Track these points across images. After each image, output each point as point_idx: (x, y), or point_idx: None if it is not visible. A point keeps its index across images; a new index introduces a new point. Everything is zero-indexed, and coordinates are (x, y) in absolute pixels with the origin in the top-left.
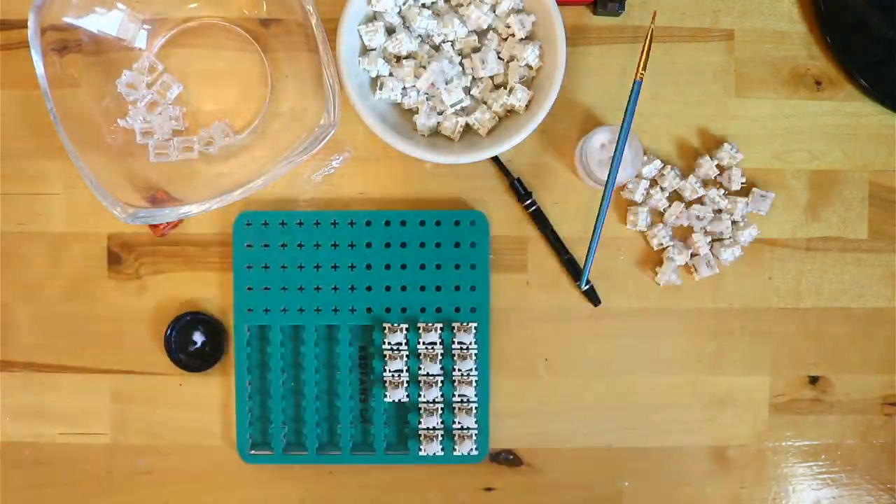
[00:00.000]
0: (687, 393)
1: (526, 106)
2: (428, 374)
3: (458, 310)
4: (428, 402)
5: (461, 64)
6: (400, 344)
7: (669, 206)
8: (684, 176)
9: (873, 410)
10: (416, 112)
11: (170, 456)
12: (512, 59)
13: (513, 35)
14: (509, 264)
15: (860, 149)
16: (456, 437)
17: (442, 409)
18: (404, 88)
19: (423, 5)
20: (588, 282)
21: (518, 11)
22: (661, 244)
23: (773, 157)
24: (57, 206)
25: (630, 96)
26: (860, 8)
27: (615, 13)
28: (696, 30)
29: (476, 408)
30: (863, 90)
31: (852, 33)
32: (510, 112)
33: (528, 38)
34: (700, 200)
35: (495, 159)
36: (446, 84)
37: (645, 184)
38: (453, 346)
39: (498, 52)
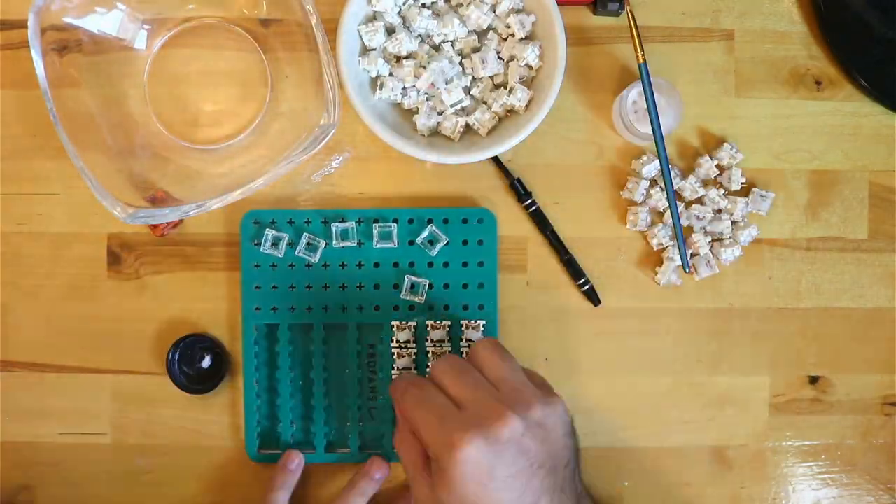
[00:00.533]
0: (687, 393)
1: (526, 106)
2: None
3: (466, 307)
4: None
5: (461, 64)
6: (408, 342)
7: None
8: (684, 176)
9: (873, 410)
10: (416, 112)
11: (170, 456)
12: (512, 59)
13: (512, 35)
14: (509, 264)
15: (860, 149)
16: None
17: None
18: (404, 88)
19: (423, 5)
20: (587, 282)
21: (518, 11)
22: (661, 244)
23: (773, 157)
24: (57, 206)
25: (642, 79)
26: (860, 8)
27: (615, 13)
28: (696, 30)
29: None
30: (863, 90)
31: (852, 33)
32: (510, 112)
33: (529, 38)
34: (700, 200)
35: (495, 159)
36: (446, 84)
37: (645, 184)
38: (461, 344)
39: (498, 52)
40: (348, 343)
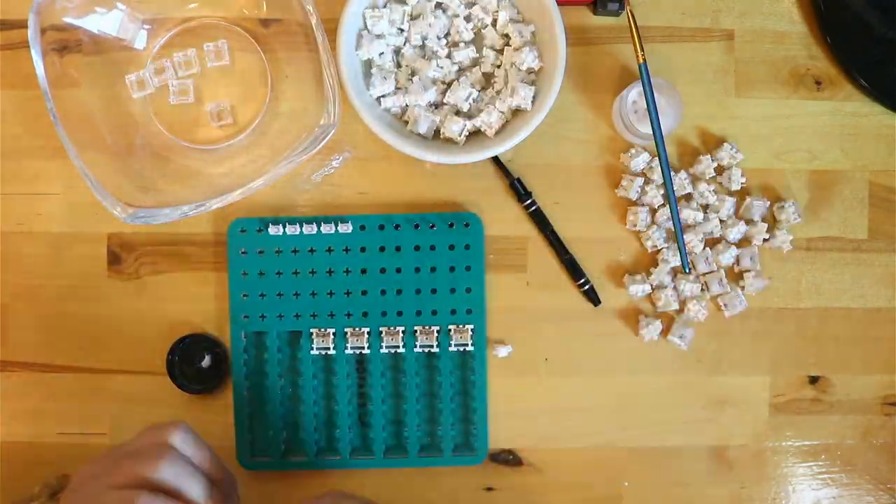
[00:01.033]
0: (687, 393)
1: (532, 103)
2: (426, 377)
3: (454, 312)
4: (426, 404)
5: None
6: (397, 347)
7: (664, 204)
8: (676, 172)
9: (873, 410)
10: (415, 120)
11: None
12: (511, 65)
13: (508, 45)
14: (509, 264)
15: (860, 149)
16: (455, 438)
17: (440, 410)
18: (407, 106)
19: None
20: (587, 282)
21: (516, 21)
22: (656, 246)
23: (773, 157)
24: (57, 206)
25: (642, 79)
26: (860, 8)
27: (615, 13)
28: (696, 30)
29: (475, 409)
30: (863, 90)
31: (852, 33)
32: (517, 111)
33: (527, 44)
34: (690, 197)
35: (495, 159)
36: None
37: (639, 181)
38: (450, 348)
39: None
40: (337, 349)
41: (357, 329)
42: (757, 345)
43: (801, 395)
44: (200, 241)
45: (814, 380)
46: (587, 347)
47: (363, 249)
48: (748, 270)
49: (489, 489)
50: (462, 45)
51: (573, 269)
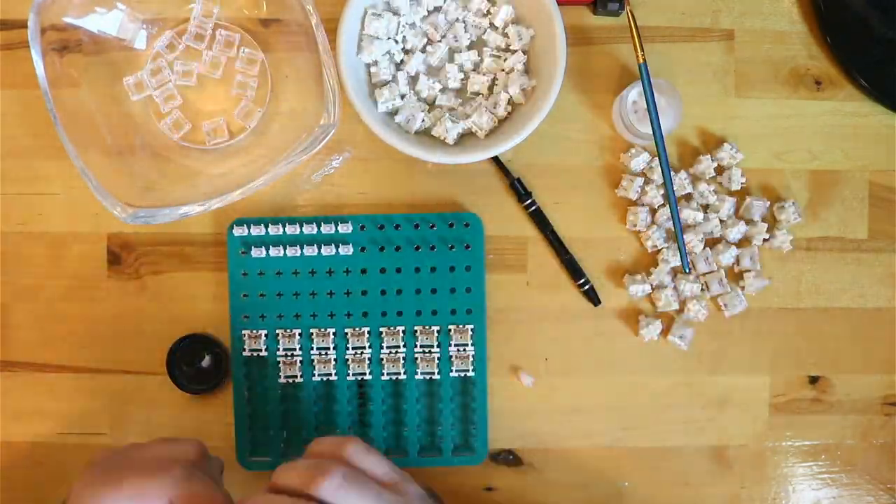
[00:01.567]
0: (687, 393)
1: (525, 99)
2: (426, 377)
3: (454, 312)
4: (426, 404)
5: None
6: (397, 347)
7: (664, 203)
8: (676, 172)
9: (873, 410)
10: (405, 115)
11: None
12: (511, 70)
13: (507, 48)
14: (509, 264)
15: (860, 149)
16: (455, 438)
17: (441, 410)
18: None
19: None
20: (587, 282)
21: (515, 22)
22: (656, 246)
23: (773, 157)
24: (57, 206)
25: (642, 79)
26: (860, 8)
27: (615, 13)
28: (696, 30)
29: (475, 409)
30: (863, 90)
31: (852, 33)
32: (512, 109)
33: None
34: (690, 197)
35: (495, 159)
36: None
37: (639, 181)
38: (450, 348)
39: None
40: (337, 350)
41: (357, 329)
42: (757, 345)
43: (801, 395)
44: (200, 241)
45: (814, 380)
46: (587, 347)
47: (363, 249)
48: (748, 270)
49: (489, 489)
50: (464, 49)
51: (573, 269)
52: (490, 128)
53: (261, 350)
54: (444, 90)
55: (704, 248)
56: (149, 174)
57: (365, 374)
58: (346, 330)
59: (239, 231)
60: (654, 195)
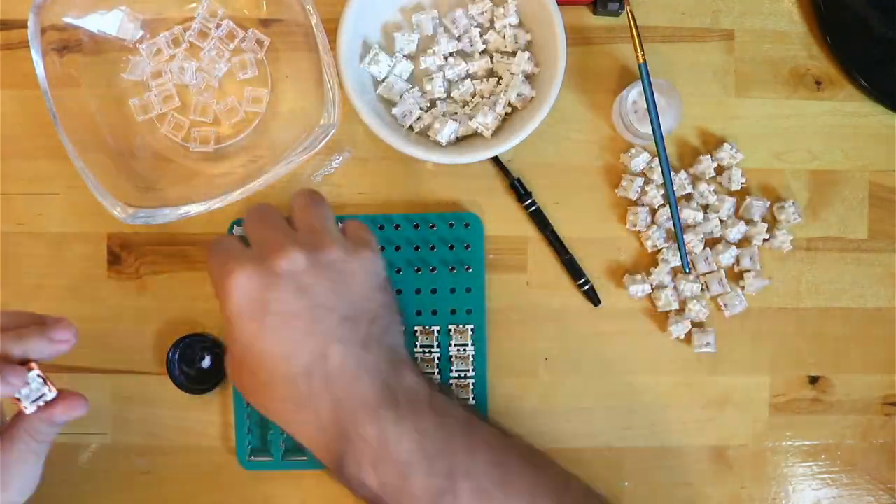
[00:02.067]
0: (687, 393)
1: (531, 98)
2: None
3: (454, 312)
4: None
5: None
6: None
7: (664, 203)
8: (675, 172)
9: (873, 410)
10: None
11: (170, 456)
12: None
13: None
14: (509, 264)
15: (860, 149)
16: None
17: None
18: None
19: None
20: (587, 282)
21: (515, 26)
22: (656, 246)
23: (773, 157)
24: (57, 206)
25: (642, 79)
26: (860, 8)
27: (615, 13)
28: (696, 30)
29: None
30: (863, 90)
31: (852, 33)
32: (510, 112)
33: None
34: (690, 197)
35: (495, 159)
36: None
37: (639, 181)
38: (450, 348)
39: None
40: None
41: None
42: (757, 345)
43: (801, 395)
44: (200, 241)
45: (814, 380)
46: (587, 347)
47: None
48: (748, 270)
49: None
50: (477, 55)
51: (573, 269)
52: (496, 126)
53: None
54: (448, 93)
55: (704, 248)
56: (149, 174)
57: None
58: None
59: (239, 231)
60: (654, 195)
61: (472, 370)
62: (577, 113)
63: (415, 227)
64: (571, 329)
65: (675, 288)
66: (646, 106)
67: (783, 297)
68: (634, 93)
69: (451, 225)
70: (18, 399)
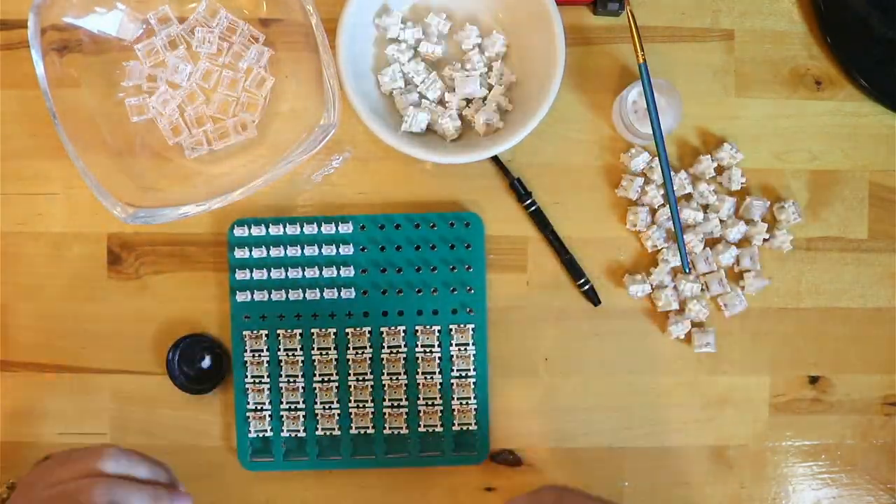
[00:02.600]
0: (687, 393)
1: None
2: (427, 376)
3: (454, 311)
4: (427, 404)
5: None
6: (398, 347)
7: (664, 203)
8: (676, 172)
9: (873, 410)
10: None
11: (169, 456)
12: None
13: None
14: (509, 264)
15: (860, 149)
16: (456, 438)
17: (441, 410)
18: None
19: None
20: (587, 282)
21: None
22: (656, 246)
23: (773, 157)
24: (57, 206)
25: (642, 79)
26: (860, 8)
27: (615, 13)
28: (696, 30)
29: (475, 408)
30: (863, 90)
31: (852, 33)
32: (510, 112)
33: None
34: (690, 197)
35: (495, 159)
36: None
37: (639, 181)
38: (451, 348)
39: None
40: (338, 350)
41: (358, 329)
42: (757, 345)
43: (801, 395)
44: (200, 241)
45: (814, 380)
46: (587, 347)
47: (363, 249)
48: (748, 270)
49: (489, 489)
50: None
51: (573, 269)
52: (497, 124)
53: (262, 350)
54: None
55: (704, 248)
56: (149, 174)
57: (366, 374)
58: (346, 330)
59: (240, 231)
60: (654, 195)
61: (473, 370)
62: (576, 113)
63: (415, 227)
64: (571, 329)
65: (675, 288)
66: (646, 106)
67: (783, 297)
68: (634, 93)
69: (452, 224)
70: None
